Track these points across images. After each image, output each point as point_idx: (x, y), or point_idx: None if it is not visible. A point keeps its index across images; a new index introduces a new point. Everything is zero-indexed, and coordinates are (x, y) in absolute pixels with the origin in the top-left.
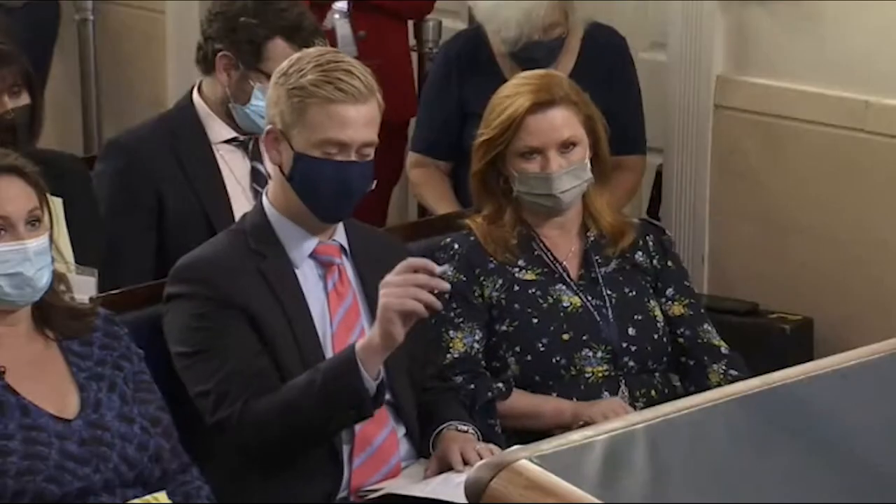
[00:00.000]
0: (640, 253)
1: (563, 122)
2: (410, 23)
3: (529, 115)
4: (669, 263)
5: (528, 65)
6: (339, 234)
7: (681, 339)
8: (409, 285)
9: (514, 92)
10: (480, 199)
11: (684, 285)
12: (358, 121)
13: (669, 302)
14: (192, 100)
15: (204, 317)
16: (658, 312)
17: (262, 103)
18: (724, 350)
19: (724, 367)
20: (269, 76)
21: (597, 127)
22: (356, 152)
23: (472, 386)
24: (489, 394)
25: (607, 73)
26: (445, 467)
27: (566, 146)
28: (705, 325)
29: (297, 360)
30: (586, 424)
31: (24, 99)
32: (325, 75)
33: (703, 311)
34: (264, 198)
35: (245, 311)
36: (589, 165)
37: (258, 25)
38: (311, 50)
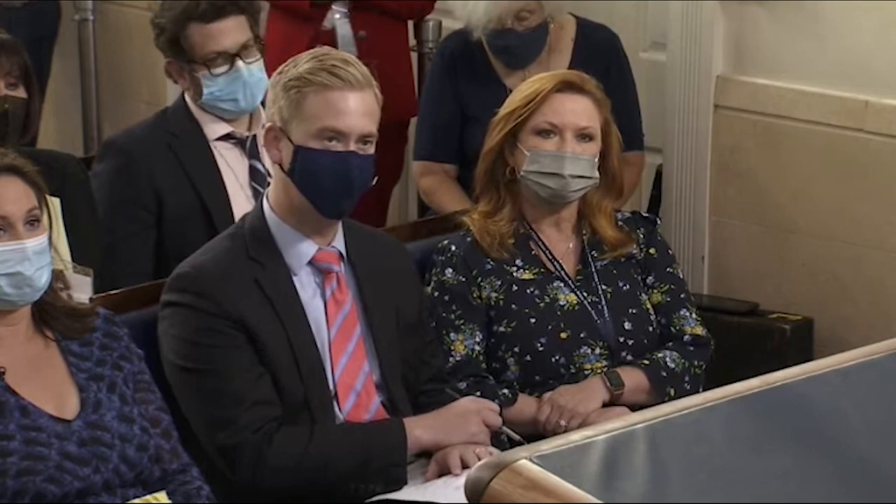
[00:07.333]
0: (633, 246)
1: (585, 110)
2: (410, 23)
3: (556, 93)
4: (651, 251)
5: (505, 57)
6: (338, 241)
7: (659, 329)
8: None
9: (543, 77)
10: (483, 187)
11: (666, 272)
12: (356, 109)
13: (650, 290)
14: (185, 99)
15: (203, 331)
16: (650, 304)
17: (215, 88)
18: (686, 338)
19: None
20: (203, 63)
21: (611, 138)
22: (355, 143)
23: (479, 392)
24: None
25: (603, 72)
26: (444, 470)
27: (583, 136)
28: (682, 311)
29: (294, 370)
30: None
31: (21, 93)
32: (321, 63)
33: (682, 296)
34: (265, 201)
35: (243, 325)
36: (597, 167)
37: (169, 22)
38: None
